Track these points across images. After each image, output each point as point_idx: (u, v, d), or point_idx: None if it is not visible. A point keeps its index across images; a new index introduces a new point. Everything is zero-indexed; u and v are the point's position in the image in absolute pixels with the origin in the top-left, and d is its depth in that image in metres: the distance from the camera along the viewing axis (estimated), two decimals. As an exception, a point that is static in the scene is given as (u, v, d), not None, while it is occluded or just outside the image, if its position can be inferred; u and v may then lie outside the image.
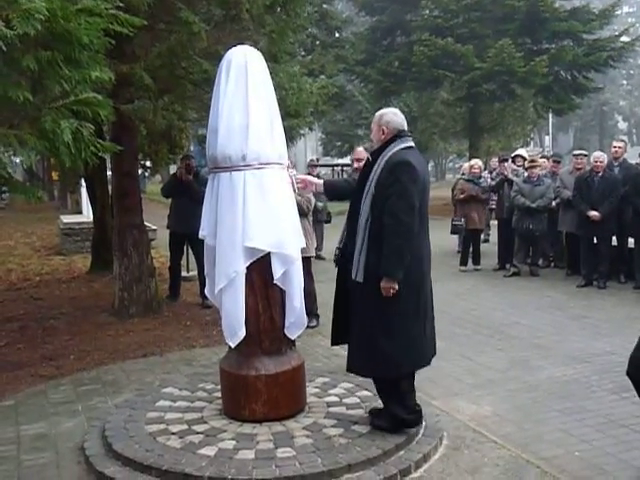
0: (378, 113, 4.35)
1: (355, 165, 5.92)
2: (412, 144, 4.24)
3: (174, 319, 7.92)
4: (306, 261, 6.44)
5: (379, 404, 4.42)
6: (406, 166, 4.02)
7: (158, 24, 7.20)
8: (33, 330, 7.68)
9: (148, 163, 11.91)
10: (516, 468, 4.03)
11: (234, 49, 4.41)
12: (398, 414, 4.16)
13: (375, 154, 4.21)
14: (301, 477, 3.71)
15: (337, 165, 38.74)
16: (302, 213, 6.58)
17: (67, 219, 15.22)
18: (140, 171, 11.50)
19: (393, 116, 4.23)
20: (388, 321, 4.12)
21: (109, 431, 4.38)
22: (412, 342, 4.13)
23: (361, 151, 5.82)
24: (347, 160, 13.85)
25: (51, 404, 5.32)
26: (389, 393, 4.23)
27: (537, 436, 4.62)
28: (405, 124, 4.28)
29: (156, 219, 13.51)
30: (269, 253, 4.27)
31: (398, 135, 4.18)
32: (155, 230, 14.84)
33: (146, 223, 15.41)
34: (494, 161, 14.00)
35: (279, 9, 6.85)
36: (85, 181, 12.34)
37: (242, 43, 5.36)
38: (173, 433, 4.30)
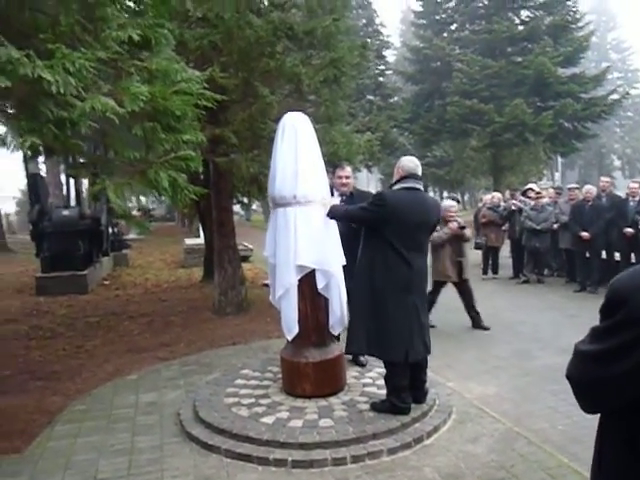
0: (400, 159, 4.21)
1: (344, 181, 5.11)
2: (414, 185, 4.01)
3: (258, 316, 7.84)
4: None
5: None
6: (377, 195, 4.05)
7: (246, 98, 7.29)
8: (157, 323, 7.82)
9: (245, 200, 12.03)
10: (508, 439, 3.80)
11: (287, 115, 4.37)
12: (394, 402, 3.97)
13: (390, 187, 4.16)
14: (335, 442, 3.60)
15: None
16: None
17: (189, 241, 15.53)
18: (237, 207, 11.64)
19: (408, 162, 4.08)
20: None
21: (198, 401, 4.38)
22: (374, 334, 3.93)
23: (349, 170, 5.22)
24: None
25: (162, 379, 5.37)
26: (389, 384, 4.05)
27: (529, 412, 4.36)
28: (417, 170, 4.07)
29: (254, 240, 13.66)
30: (315, 269, 4.21)
31: (407, 176, 4.02)
32: (252, 249, 15.02)
33: (245, 243, 15.73)
34: (507, 195, 13.56)
35: (332, 83, 6.79)
36: (199, 214, 12.59)
37: (302, 109, 5.36)
38: (244, 405, 4.27)
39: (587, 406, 1.33)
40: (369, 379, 4.74)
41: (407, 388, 4.00)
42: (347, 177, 5.15)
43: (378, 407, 4.05)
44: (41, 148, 3.68)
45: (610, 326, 1.23)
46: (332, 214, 4.17)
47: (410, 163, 4.08)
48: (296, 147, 4.18)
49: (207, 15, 6.23)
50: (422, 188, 4.16)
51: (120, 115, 3.65)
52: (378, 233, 3.94)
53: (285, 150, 4.22)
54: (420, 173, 4.12)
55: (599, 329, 1.28)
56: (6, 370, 5.79)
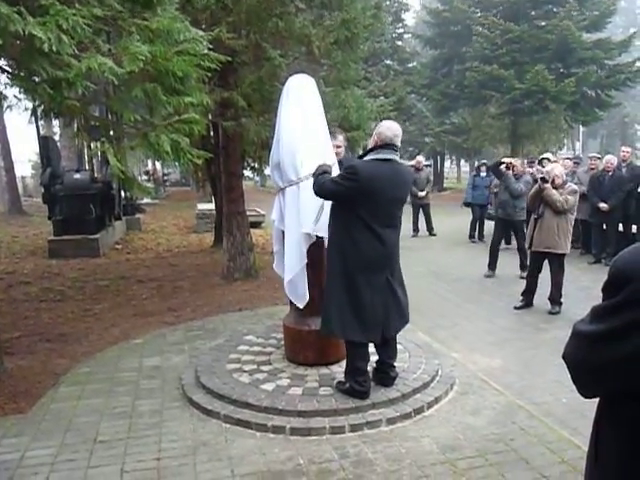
0: (380, 124, 3.85)
1: (335, 150, 4.52)
2: (389, 157, 3.68)
3: (267, 283, 7.80)
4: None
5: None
6: (350, 168, 3.65)
7: (256, 60, 7.11)
8: (166, 288, 7.85)
9: (256, 165, 11.89)
10: (509, 411, 3.76)
11: (293, 77, 4.23)
12: (352, 385, 3.79)
13: (362, 155, 3.86)
14: (334, 411, 3.59)
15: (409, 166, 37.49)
16: (559, 211, 6.24)
17: (201, 206, 15.43)
18: (246, 172, 11.52)
19: (386, 130, 3.71)
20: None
21: (199, 367, 4.40)
22: (348, 316, 3.72)
23: (340, 138, 4.71)
24: (413, 162, 13.35)
25: (167, 344, 5.39)
26: (349, 365, 3.88)
27: (533, 385, 4.32)
28: (396, 139, 3.72)
29: (267, 206, 13.52)
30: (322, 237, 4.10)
31: (383, 145, 3.69)
32: (264, 215, 14.96)
33: (258, 209, 15.64)
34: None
35: (344, 45, 6.58)
36: (210, 179, 12.48)
37: (313, 72, 5.20)
38: (245, 371, 4.27)
39: (585, 389, 1.25)
40: (372, 348, 4.68)
41: (366, 371, 3.83)
42: (338, 146, 4.73)
43: (340, 388, 3.90)
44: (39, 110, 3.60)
45: (613, 306, 1.14)
46: (314, 186, 3.79)
47: (388, 132, 3.70)
48: (301, 111, 4.05)
49: (215, -28, 6.03)
50: (398, 158, 3.82)
51: (119, 76, 3.56)
52: (348, 208, 3.67)
53: (290, 114, 4.09)
54: (399, 143, 3.78)
55: (601, 308, 1.19)
56: (16, 332, 5.85)
